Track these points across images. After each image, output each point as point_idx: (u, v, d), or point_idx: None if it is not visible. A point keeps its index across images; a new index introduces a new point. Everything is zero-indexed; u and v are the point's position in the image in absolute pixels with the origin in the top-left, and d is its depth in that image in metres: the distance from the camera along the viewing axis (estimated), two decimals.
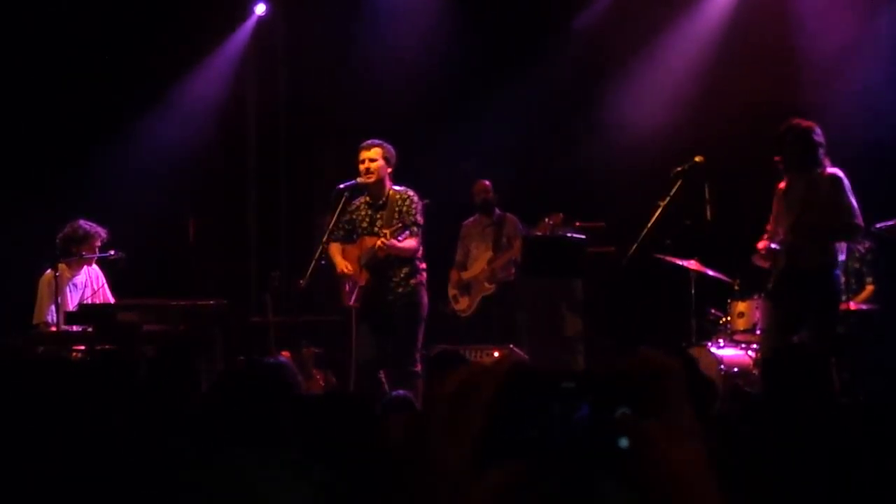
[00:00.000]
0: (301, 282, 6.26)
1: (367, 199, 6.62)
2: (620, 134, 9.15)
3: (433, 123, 9.69)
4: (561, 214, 7.79)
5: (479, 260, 8.64)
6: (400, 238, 6.30)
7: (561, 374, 1.28)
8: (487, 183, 8.90)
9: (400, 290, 6.46)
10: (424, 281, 6.60)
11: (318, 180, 10.12)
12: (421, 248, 6.57)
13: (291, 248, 10.09)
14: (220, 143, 9.94)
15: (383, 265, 6.43)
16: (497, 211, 8.80)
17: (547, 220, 7.83)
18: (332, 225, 6.51)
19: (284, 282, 8.32)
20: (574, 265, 7.62)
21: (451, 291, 8.99)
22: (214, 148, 9.94)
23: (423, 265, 6.67)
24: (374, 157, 6.49)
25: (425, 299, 6.64)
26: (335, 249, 6.66)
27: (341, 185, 6.51)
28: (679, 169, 6.84)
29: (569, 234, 7.72)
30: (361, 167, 6.53)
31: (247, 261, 10.15)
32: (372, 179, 6.45)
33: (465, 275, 8.73)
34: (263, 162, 10.49)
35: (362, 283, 6.46)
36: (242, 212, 10.35)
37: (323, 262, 6.56)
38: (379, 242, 6.22)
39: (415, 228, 6.45)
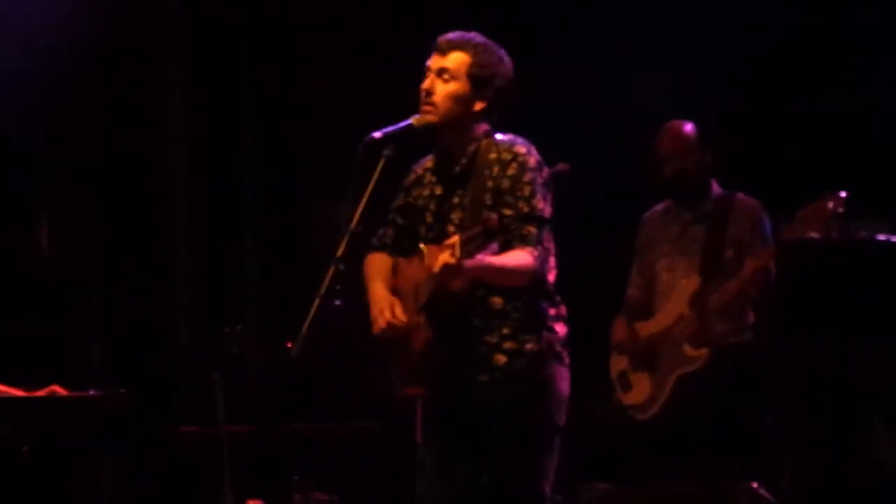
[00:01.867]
0: (290, 345, 4.58)
1: (433, 162, 5.01)
2: None
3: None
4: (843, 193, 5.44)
5: (674, 297, 6.43)
6: (485, 251, 4.65)
7: None
8: (688, 129, 6.45)
9: (501, 361, 4.81)
10: (560, 342, 4.91)
11: (319, 139, 7.69)
12: (552, 269, 4.92)
13: (266, 277, 7.84)
14: (97, 77, 7.62)
15: (461, 306, 4.80)
16: (715, 189, 6.47)
17: (829, 204, 5.53)
18: (355, 216, 4.71)
19: (254, 347, 7.00)
20: None
21: (616, 366, 6.62)
22: (87, 87, 7.52)
23: (556, 310, 4.92)
24: (450, 67, 4.89)
25: (563, 383, 4.88)
26: (377, 268, 5.11)
27: (377, 133, 4.72)
28: None
29: (885, 238, 5.70)
30: (422, 89, 4.87)
31: (170, 304, 7.83)
32: (435, 118, 4.83)
33: (645, 329, 6.47)
34: (200, 109, 7.87)
35: (418, 345, 4.86)
36: (162, 207, 7.87)
37: (338, 300, 4.69)
38: (442, 259, 4.59)
39: (531, 230, 4.77)
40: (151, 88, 7.90)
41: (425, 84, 4.76)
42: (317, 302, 4.48)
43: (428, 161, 4.96)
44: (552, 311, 4.80)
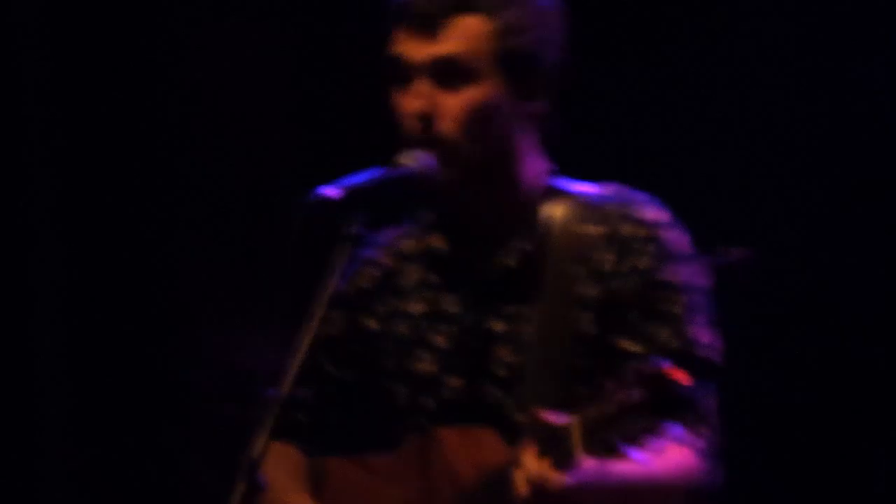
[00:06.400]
0: None
1: (435, 241, 2.70)
2: None
3: None
4: None
5: None
6: (637, 447, 2.40)
7: None
8: None
9: None
10: None
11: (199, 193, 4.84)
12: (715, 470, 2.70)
13: None
14: None
15: None
16: None
17: None
18: (287, 378, 2.46)
19: None
20: None
21: None
22: None
23: None
24: (459, 51, 2.52)
25: None
26: (286, 471, 2.77)
27: (333, 190, 2.38)
28: None
29: None
30: (409, 115, 2.55)
31: None
32: (458, 171, 2.58)
33: None
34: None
35: None
36: None
37: None
38: (535, 470, 2.49)
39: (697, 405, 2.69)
40: None
41: (413, 105, 2.45)
42: None
43: (411, 239, 2.66)
44: None
